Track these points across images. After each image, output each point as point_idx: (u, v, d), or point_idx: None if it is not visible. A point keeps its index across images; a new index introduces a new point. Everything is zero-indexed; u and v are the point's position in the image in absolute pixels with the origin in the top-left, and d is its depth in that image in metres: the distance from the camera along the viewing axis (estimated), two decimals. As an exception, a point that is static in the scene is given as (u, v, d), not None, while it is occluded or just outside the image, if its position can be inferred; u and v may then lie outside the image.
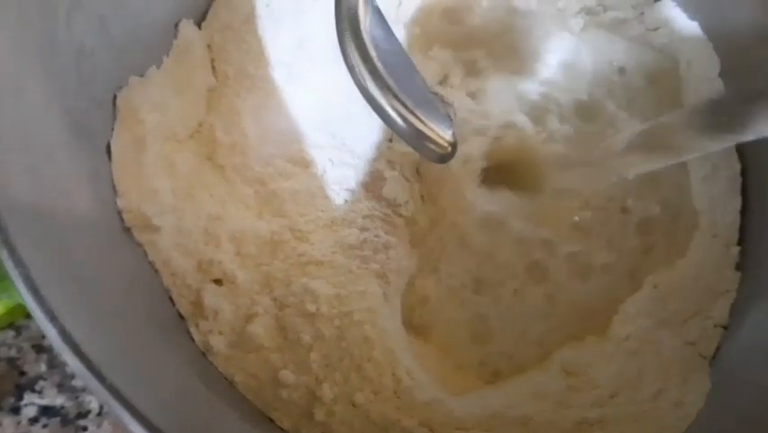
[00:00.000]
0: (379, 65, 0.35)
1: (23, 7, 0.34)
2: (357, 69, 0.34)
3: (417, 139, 0.35)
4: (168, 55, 0.47)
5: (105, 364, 0.29)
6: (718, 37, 0.49)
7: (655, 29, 0.52)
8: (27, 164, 0.33)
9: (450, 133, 0.35)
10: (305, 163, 0.46)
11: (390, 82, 0.35)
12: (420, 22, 0.50)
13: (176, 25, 0.48)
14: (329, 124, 0.46)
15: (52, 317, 0.27)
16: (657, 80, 0.51)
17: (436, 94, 0.37)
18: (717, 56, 0.49)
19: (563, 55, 0.49)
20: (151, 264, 0.42)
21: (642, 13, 0.52)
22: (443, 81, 0.47)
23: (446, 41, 0.50)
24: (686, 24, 0.51)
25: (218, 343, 0.42)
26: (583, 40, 0.51)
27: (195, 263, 0.43)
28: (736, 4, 0.48)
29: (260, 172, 0.46)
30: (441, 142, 0.35)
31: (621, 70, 0.50)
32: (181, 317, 0.43)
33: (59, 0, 0.36)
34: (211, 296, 0.43)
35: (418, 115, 0.35)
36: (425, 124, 0.35)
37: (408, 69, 0.36)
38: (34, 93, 0.35)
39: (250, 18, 0.49)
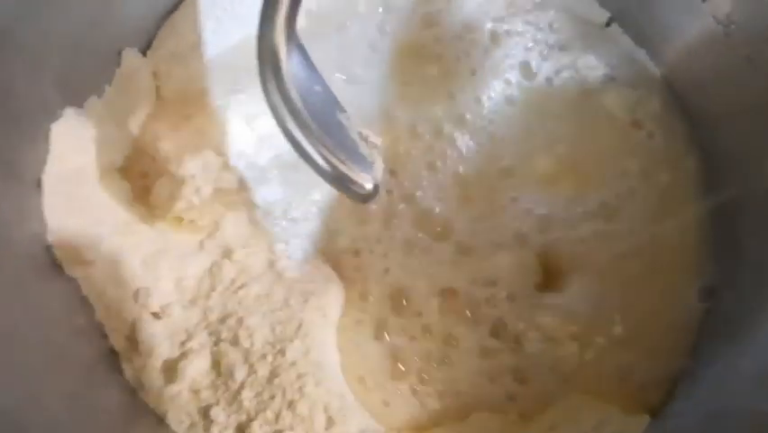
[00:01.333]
0: (299, 105, 0.34)
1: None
2: (278, 110, 0.34)
3: (339, 181, 0.34)
4: (110, 84, 0.47)
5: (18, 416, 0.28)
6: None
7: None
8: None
9: (371, 174, 0.34)
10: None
11: (312, 123, 0.34)
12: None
13: (119, 53, 0.48)
14: (275, 156, 0.46)
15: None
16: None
17: (361, 134, 0.37)
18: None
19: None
20: (84, 299, 0.41)
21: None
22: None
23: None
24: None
25: (151, 379, 0.42)
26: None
27: (132, 296, 0.43)
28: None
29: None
30: (362, 183, 0.34)
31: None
32: (114, 352, 0.42)
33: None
34: (146, 330, 0.42)
35: (340, 156, 0.34)
36: (347, 166, 0.34)
37: (333, 109, 0.36)
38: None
39: (196, 46, 0.49)
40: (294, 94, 0.34)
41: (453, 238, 0.47)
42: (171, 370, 0.42)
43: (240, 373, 0.41)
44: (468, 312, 0.46)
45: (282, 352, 0.42)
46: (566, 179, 0.48)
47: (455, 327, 0.45)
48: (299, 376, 0.41)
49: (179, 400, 0.41)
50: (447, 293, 0.46)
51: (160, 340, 0.42)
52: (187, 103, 0.48)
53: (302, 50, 0.36)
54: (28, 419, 0.29)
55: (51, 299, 0.39)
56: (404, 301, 0.46)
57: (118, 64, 0.47)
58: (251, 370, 0.41)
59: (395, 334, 0.45)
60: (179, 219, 0.44)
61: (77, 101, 0.44)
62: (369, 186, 0.34)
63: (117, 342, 0.42)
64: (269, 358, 0.42)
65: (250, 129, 0.46)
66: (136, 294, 0.43)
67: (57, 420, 0.34)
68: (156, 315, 0.43)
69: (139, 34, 0.49)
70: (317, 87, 0.36)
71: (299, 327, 0.43)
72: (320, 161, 0.34)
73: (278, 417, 0.41)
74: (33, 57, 0.40)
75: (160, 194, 0.44)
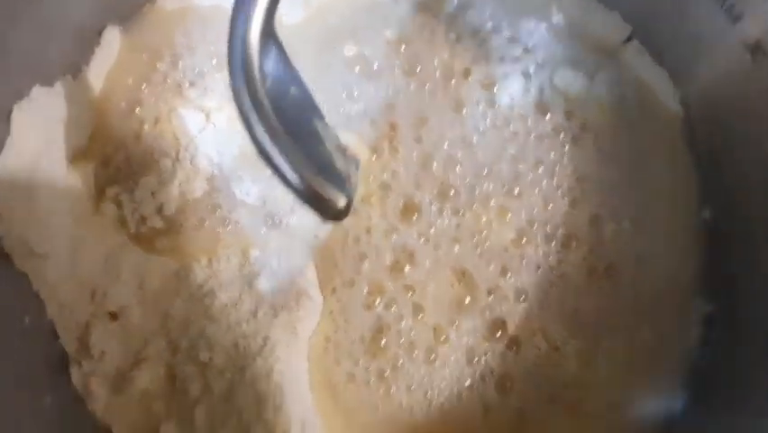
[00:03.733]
0: (270, 110, 0.30)
1: None
2: (247, 114, 0.30)
3: (309, 197, 0.31)
4: (87, 64, 0.44)
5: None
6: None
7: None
8: None
9: (345, 191, 0.31)
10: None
11: (283, 131, 0.30)
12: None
13: (99, 33, 0.45)
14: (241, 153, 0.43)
15: None
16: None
17: (339, 145, 0.33)
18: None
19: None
20: (34, 295, 0.39)
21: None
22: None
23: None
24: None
25: (99, 387, 0.39)
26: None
27: (88, 294, 0.40)
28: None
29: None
30: (334, 200, 0.31)
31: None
32: (62, 355, 0.39)
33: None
34: (100, 333, 0.40)
35: (312, 169, 0.30)
36: (319, 181, 0.31)
37: (309, 115, 0.33)
38: None
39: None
40: (265, 96, 0.31)
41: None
42: (122, 378, 0.39)
43: (195, 389, 0.38)
44: (467, 299, 0.42)
45: (242, 370, 0.39)
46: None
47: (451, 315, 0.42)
48: (258, 400, 0.38)
49: (128, 413, 0.39)
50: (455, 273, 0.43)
51: (114, 345, 0.39)
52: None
53: (279, 46, 0.32)
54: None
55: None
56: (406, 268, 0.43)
57: (98, 43, 0.44)
58: (207, 387, 0.38)
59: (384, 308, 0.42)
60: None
61: (48, 82, 0.41)
62: (341, 203, 0.31)
63: (68, 343, 0.40)
64: (228, 375, 0.39)
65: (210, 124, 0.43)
66: (93, 292, 0.40)
67: None
68: (113, 316, 0.40)
69: (119, 11, 0.46)
70: (293, 89, 0.32)
71: (264, 343, 0.40)
72: (289, 175, 0.30)
73: (230, 441, 0.38)
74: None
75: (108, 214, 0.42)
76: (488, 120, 0.45)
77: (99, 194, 0.43)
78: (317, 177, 0.31)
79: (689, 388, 0.42)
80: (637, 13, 0.46)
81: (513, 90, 0.46)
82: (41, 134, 0.40)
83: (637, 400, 0.42)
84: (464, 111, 0.46)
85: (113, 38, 0.45)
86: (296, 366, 0.40)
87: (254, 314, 0.41)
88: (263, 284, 0.42)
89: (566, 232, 0.43)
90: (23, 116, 0.39)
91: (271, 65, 0.32)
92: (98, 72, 0.45)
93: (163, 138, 0.43)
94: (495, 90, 0.46)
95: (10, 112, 0.38)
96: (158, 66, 0.45)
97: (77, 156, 0.43)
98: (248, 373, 0.39)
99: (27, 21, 0.38)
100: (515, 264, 0.43)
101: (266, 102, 0.31)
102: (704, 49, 0.42)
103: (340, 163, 0.32)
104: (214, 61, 0.45)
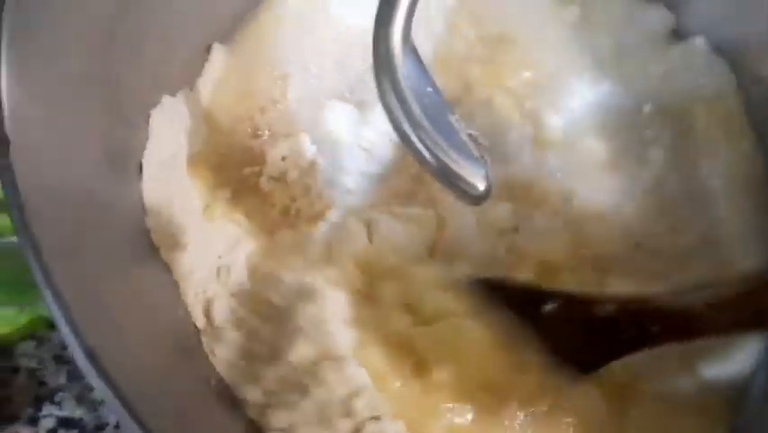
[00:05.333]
0: (414, 106, 0.35)
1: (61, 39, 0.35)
2: (393, 110, 0.35)
3: (451, 179, 0.35)
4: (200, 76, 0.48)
5: (124, 383, 0.29)
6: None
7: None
8: (63, 196, 0.34)
9: (483, 174, 0.35)
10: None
11: (425, 123, 0.35)
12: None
13: (207, 49, 0.48)
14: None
15: (78, 334, 0.28)
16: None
17: (471, 135, 0.37)
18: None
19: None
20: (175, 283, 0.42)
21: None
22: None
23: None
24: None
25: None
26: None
27: (214, 274, 0.44)
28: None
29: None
30: (474, 183, 0.35)
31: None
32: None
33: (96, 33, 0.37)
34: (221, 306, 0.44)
35: (452, 155, 0.35)
36: (459, 165, 0.35)
37: (443, 111, 0.37)
38: (71, 124, 0.35)
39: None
40: (409, 96, 0.35)
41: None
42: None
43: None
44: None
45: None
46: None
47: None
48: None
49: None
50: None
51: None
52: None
53: (415, 51, 0.36)
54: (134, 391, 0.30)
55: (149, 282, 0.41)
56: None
57: (207, 59, 0.48)
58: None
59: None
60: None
61: (172, 93, 0.45)
62: (481, 186, 0.35)
63: (199, 320, 0.44)
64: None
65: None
66: (218, 271, 0.44)
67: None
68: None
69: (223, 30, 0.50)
70: (429, 89, 0.36)
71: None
72: (433, 162, 0.35)
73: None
74: (133, 51, 0.41)
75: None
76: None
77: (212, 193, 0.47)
78: (459, 162, 0.35)
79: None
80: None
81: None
82: (172, 138, 0.44)
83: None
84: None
85: (218, 54, 0.49)
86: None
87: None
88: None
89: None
90: (159, 121, 0.43)
91: (409, 68, 0.36)
92: (207, 87, 0.48)
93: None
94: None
95: (149, 117, 0.42)
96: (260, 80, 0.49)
97: (194, 161, 0.46)
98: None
99: (155, 36, 0.43)
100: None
101: (410, 100, 0.35)
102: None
103: (476, 152, 0.36)
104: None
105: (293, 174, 0.47)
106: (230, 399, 0.42)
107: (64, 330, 0.29)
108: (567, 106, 0.50)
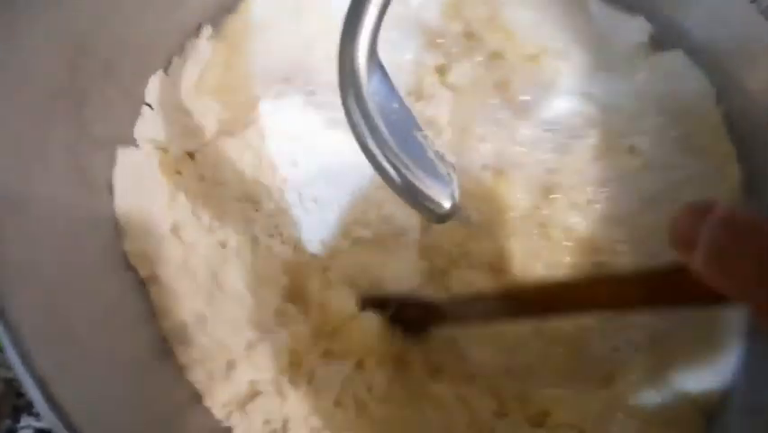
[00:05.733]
0: (380, 123, 0.34)
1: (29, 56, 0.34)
2: (358, 126, 0.34)
3: (415, 197, 0.35)
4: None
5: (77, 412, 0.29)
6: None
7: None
8: (26, 210, 0.33)
9: (449, 193, 0.35)
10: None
11: (391, 140, 0.34)
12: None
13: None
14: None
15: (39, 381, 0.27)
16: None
17: (437, 152, 0.37)
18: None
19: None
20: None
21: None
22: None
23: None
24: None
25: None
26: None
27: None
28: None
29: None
30: (440, 201, 0.34)
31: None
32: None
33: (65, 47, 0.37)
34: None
35: (417, 173, 0.34)
36: (425, 183, 0.34)
37: (410, 127, 0.36)
38: (34, 138, 0.35)
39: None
40: (374, 112, 0.34)
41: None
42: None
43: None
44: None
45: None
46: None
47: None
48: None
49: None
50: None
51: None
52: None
53: (381, 67, 0.36)
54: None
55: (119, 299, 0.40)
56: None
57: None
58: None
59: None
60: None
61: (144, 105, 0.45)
62: (447, 204, 0.35)
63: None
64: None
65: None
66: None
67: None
68: None
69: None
70: (395, 105, 0.36)
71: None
72: (398, 180, 0.34)
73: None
74: (106, 65, 0.40)
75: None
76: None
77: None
78: (424, 180, 0.35)
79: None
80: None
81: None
82: (147, 153, 0.44)
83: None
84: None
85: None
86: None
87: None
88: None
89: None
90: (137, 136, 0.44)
91: (375, 83, 0.35)
92: (188, 74, 0.47)
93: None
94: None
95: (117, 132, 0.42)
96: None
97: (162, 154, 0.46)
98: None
99: (127, 51, 0.42)
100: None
101: (375, 117, 0.34)
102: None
103: (442, 169, 0.36)
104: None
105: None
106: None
107: (14, 361, 0.28)
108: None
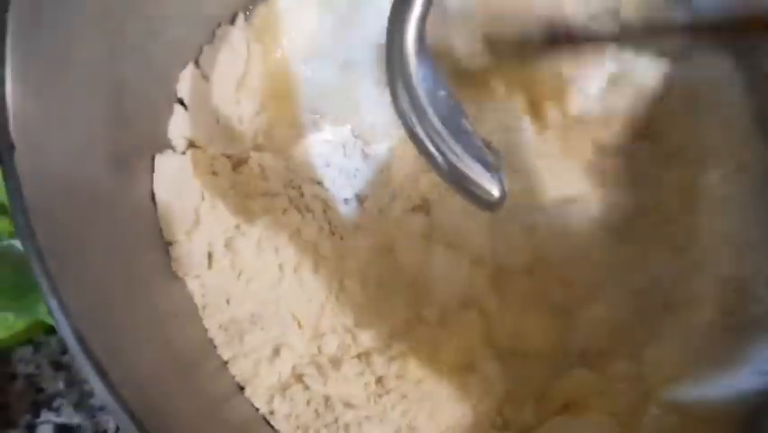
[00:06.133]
0: (428, 110, 0.34)
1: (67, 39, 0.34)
2: (406, 114, 0.34)
3: (465, 185, 0.34)
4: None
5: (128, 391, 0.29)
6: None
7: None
8: (68, 200, 0.33)
9: (498, 180, 0.34)
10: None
11: (439, 127, 0.34)
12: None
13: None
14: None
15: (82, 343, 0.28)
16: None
17: (484, 140, 0.36)
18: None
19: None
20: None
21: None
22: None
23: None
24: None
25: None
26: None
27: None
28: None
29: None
30: (489, 189, 0.34)
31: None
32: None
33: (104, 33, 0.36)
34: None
35: (467, 161, 0.34)
36: (474, 171, 0.34)
37: (457, 115, 0.36)
38: (76, 126, 0.34)
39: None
40: (423, 99, 0.34)
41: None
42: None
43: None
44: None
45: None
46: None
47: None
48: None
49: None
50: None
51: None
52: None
53: (429, 53, 0.35)
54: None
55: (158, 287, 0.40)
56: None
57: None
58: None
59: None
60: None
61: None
62: (496, 193, 0.34)
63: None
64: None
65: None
66: None
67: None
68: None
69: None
70: (442, 92, 0.36)
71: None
72: (446, 167, 0.34)
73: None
74: (142, 53, 0.40)
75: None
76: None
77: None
78: (473, 168, 0.34)
79: None
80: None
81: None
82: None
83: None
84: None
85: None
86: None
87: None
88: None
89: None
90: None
91: (423, 70, 0.35)
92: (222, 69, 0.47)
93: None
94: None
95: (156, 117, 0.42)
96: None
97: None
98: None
99: (165, 36, 0.42)
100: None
101: (424, 104, 0.34)
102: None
103: (490, 157, 0.35)
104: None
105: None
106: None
107: (69, 341, 0.28)
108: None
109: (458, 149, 0.34)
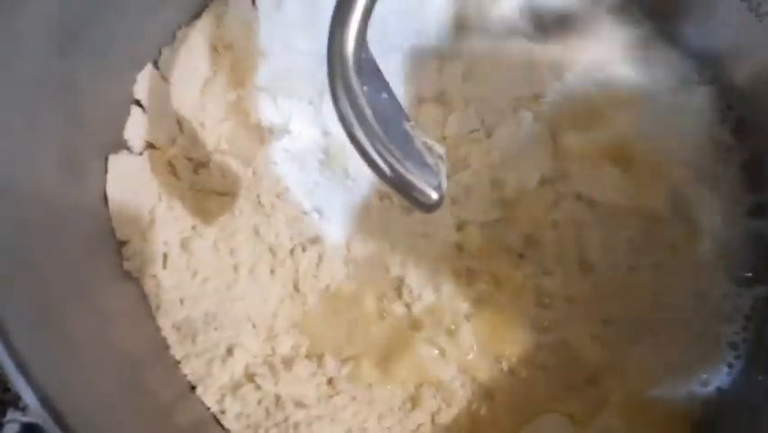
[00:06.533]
0: (368, 112, 0.34)
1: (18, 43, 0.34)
2: (347, 118, 0.34)
3: (403, 188, 0.34)
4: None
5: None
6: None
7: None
8: (13, 199, 0.33)
9: (436, 183, 0.34)
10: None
11: (379, 130, 0.34)
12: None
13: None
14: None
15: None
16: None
17: (425, 143, 0.37)
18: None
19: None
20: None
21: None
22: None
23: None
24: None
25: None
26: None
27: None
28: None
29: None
30: (427, 192, 0.34)
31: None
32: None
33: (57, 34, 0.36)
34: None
35: (405, 164, 0.34)
36: (412, 173, 0.34)
37: (399, 118, 0.36)
38: (25, 126, 0.35)
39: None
40: (362, 102, 0.34)
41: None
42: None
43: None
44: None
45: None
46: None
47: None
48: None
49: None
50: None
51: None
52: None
53: (370, 56, 0.36)
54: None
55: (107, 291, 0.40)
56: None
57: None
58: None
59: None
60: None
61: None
62: (434, 196, 0.34)
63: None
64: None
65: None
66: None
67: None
68: None
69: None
70: (384, 95, 0.36)
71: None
72: (386, 170, 0.34)
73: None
74: (98, 54, 0.40)
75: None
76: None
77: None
78: (412, 171, 0.34)
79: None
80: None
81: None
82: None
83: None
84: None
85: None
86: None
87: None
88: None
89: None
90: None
91: (364, 73, 0.35)
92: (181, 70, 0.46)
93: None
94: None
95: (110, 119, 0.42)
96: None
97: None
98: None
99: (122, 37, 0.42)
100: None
101: (363, 107, 0.34)
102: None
103: (430, 160, 0.35)
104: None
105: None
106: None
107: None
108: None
109: (398, 152, 0.34)
